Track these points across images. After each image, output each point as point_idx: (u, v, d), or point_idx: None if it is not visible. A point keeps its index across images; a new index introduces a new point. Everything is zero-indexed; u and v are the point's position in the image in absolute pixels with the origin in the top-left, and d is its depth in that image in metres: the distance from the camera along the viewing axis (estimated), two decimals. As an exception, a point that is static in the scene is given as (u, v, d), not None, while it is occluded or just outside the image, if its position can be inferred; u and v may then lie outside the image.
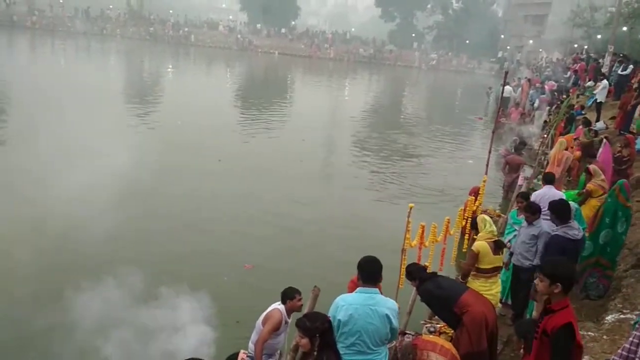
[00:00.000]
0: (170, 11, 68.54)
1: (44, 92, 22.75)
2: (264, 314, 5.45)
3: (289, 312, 5.47)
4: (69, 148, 14.20)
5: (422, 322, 6.85)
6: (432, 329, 6.56)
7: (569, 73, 31.33)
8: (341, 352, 3.99)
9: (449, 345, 5.22)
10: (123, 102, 24.13)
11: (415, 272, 5.70)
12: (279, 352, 5.64)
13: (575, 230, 6.33)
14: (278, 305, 5.45)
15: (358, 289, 4.30)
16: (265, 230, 10.94)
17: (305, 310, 5.35)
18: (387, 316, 4.17)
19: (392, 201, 13.62)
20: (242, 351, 3.54)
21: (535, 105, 24.96)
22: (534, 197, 8.01)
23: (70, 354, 6.18)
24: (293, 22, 75.31)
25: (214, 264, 9.15)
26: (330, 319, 4.00)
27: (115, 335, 6.00)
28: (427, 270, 6.04)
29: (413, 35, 74.97)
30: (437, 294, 5.44)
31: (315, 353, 3.62)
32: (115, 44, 52.04)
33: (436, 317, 6.69)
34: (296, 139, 19.62)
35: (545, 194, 7.94)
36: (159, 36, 60.62)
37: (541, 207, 6.96)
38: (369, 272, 4.29)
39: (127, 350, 5.89)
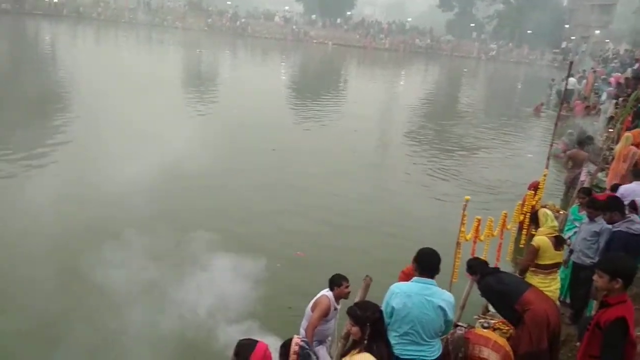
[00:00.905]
0: (229, 2, 69.56)
1: (109, 80, 23.65)
2: (313, 300, 5.52)
3: (337, 298, 5.51)
4: (126, 134, 14.66)
5: (476, 317, 6.70)
6: (485, 325, 6.41)
7: (637, 65, 29.72)
8: (393, 341, 3.96)
9: (502, 341, 5.09)
10: (180, 92, 24.75)
11: (477, 266, 5.56)
12: (329, 338, 5.67)
13: (638, 224, 6.07)
14: (326, 292, 5.51)
15: (414, 278, 4.26)
16: (317, 219, 11.00)
17: (356, 299, 5.36)
18: (442, 308, 4.11)
19: (446, 193, 13.40)
20: (295, 336, 3.58)
21: (603, 98, 23.85)
22: (622, 190, 7.67)
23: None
24: (349, 13, 74.89)
25: (267, 251, 9.26)
26: (382, 307, 3.99)
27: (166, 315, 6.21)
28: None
29: (472, 25, 73.01)
30: (498, 290, 5.29)
31: (365, 341, 3.61)
32: (175, 35, 53.35)
33: (490, 312, 6.54)
34: (349, 130, 19.56)
35: (634, 190, 7.63)
36: (216, 27, 61.72)
37: (634, 203, 6.79)
38: (428, 265, 4.23)
39: (180, 326, 6.09)
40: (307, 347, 3.45)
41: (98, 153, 13.43)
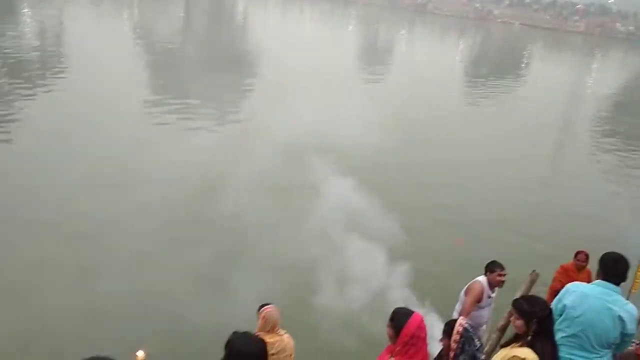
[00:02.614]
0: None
1: (291, 50, 24.93)
2: (467, 285, 5.40)
3: (491, 286, 5.30)
4: (300, 103, 14.95)
5: (654, 334, 5.98)
6: (665, 346, 5.70)
7: None
8: (559, 342, 3.69)
9: (684, 364, 4.48)
10: (354, 68, 25.18)
11: None
12: (483, 327, 5.49)
13: None
14: (480, 278, 5.34)
15: (596, 281, 3.89)
16: (484, 206, 10.55)
17: (518, 293, 5.15)
18: (622, 319, 3.68)
19: (634, 193, 12.02)
20: (461, 318, 3.53)
21: None
22: None
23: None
24: (541, -9, 69.43)
25: (428, 234, 9.19)
26: (553, 304, 3.73)
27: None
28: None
29: (690, 9, 63.14)
30: None
31: (529, 337, 3.42)
32: (355, 10, 54.23)
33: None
34: (526, 118, 18.34)
35: None
36: (396, 3, 61.46)
37: None
38: (614, 270, 3.81)
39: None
40: (471, 330, 3.37)
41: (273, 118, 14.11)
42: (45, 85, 15.52)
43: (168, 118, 13.50)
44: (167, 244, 7.75)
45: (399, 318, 3.34)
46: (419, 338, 3.27)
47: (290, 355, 4.29)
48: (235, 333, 2.95)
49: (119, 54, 20.14)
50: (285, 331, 4.33)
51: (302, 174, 8.81)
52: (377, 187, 9.64)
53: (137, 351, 5.58)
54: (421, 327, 3.30)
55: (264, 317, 4.26)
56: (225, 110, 14.85)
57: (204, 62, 20.88)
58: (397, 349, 3.28)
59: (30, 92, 14.74)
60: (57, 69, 17.32)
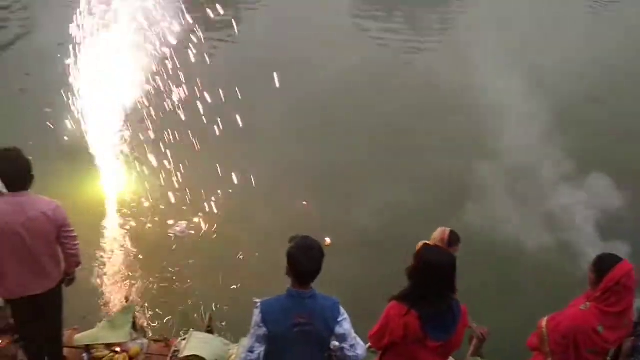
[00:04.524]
0: None
1: None
2: None
3: None
4: None
5: None
6: None
7: None
8: None
9: None
10: None
11: None
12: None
13: None
14: None
15: None
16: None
17: None
18: None
19: None
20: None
21: None
22: None
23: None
24: None
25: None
26: None
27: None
28: None
29: None
30: None
31: None
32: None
33: None
34: None
35: None
36: None
37: None
38: None
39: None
40: None
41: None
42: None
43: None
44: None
45: (604, 263, 3.16)
46: (625, 287, 3.08)
47: None
48: (425, 244, 3.00)
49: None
50: None
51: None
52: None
53: (326, 238, 6.22)
54: (630, 276, 3.08)
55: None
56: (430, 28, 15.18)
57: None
58: (596, 295, 3.11)
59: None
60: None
